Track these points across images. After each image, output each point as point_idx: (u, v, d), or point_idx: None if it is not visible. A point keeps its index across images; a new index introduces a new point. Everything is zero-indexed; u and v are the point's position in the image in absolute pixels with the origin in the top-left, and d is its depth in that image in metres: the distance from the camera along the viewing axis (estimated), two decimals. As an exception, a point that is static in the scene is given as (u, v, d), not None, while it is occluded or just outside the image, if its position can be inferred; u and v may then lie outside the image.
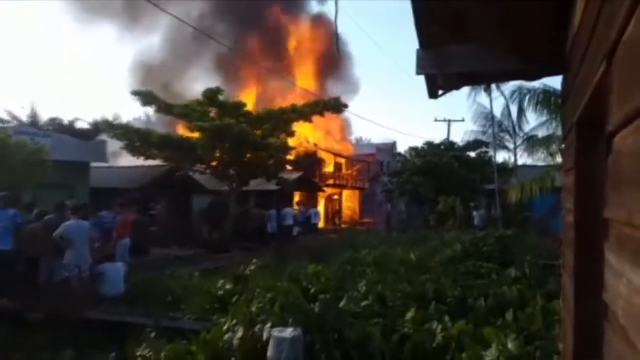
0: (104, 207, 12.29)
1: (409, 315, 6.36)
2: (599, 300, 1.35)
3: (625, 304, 1.00)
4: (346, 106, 22.35)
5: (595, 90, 1.48)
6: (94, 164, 19.06)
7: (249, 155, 21.11)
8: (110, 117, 31.59)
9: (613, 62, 1.20)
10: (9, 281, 8.80)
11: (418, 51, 3.03)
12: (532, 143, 20.21)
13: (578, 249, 1.87)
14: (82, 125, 32.70)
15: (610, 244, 1.21)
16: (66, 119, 32.17)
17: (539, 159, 18.51)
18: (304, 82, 38.44)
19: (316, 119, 22.69)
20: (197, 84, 42.44)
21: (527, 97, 16.22)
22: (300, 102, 23.01)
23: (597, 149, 1.85)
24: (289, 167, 24.92)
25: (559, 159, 15.34)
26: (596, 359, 1.50)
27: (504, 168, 27.37)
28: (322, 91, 41.31)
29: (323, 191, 34.21)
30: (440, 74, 3.24)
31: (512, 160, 26.46)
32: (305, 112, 21.67)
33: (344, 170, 41.12)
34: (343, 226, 34.94)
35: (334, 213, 38.18)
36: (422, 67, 3.03)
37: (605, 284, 1.24)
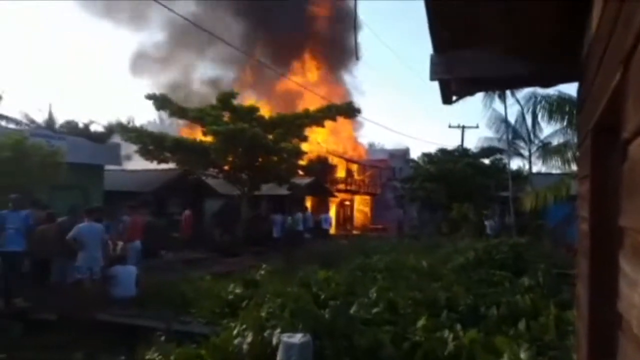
0: (121, 210, 12.41)
1: (420, 322, 6.30)
2: (613, 310, 1.31)
3: (640, 314, 0.97)
4: (359, 111, 22.35)
5: (611, 97, 1.45)
6: (108, 167, 19.23)
7: (260, 160, 21.18)
8: (124, 120, 31.92)
9: (629, 68, 1.18)
10: (20, 282, 8.89)
11: (432, 56, 3.01)
12: (547, 150, 20.01)
13: (592, 258, 1.84)
14: (96, 128, 33.11)
15: (625, 253, 1.18)
16: (81, 121, 32.60)
17: (553, 167, 18.31)
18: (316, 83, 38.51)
19: (328, 122, 22.69)
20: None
21: (542, 104, 16.09)
22: (312, 106, 23.03)
23: (613, 157, 1.81)
24: (300, 172, 24.94)
25: (574, 167, 15.17)
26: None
27: (518, 175, 27.12)
28: (335, 89, 41.40)
29: (334, 196, 34.16)
30: (454, 79, 3.21)
31: (527, 167, 26.20)
32: (318, 117, 21.69)
33: (355, 176, 41.04)
34: (354, 232, 34.84)
35: (345, 218, 38.10)
36: (436, 72, 3.01)
37: (619, 294, 1.22)
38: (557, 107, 14.72)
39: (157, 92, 21.43)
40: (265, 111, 23.71)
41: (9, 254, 8.97)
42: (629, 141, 1.12)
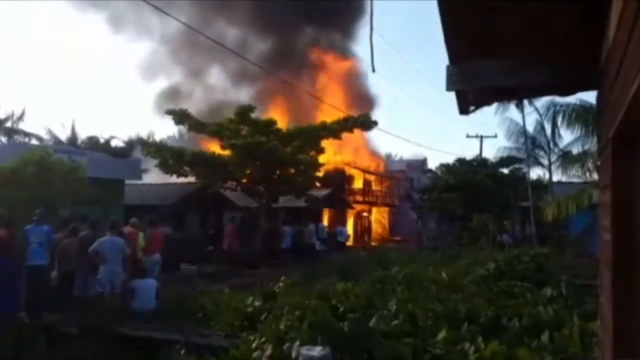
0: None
1: (441, 335, 6.23)
2: (639, 320, 1.29)
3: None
4: (376, 123, 22.33)
5: (630, 104, 1.44)
6: (129, 181, 19.48)
7: (278, 172, 21.27)
8: (144, 135, 32.51)
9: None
10: (45, 296, 9.02)
11: (448, 67, 3.01)
12: (567, 159, 19.74)
13: (615, 268, 1.81)
14: (117, 143, 33.70)
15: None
16: (102, 137, 33.23)
17: (574, 176, 18.03)
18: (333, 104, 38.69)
19: (346, 135, 22.73)
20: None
21: (561, 112, 15.92)
22: (329, 119, 23.11)
23: (634, 165, 1.79)
24: (317, 184, 24.96)
25: (595, 176, 14.92)
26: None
27: (538, 185, 26.78)
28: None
29: (352, 208, 34.07)
30: (471, 89, 3.20)
31: (547, 176, 25.87)
32: (335, 129, 21.74)
33: (373, 187, 40.90)
34: (373, 243, 34.66)
35: (363, 230, 37.95)
36: (452, 82, 3.01)
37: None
38: (577, 115, 14.54)
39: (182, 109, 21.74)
40: (282, 124, 23.85)
41: (33, 268, 9.12)
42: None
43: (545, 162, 24.89)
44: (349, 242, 31.90)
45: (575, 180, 18.07)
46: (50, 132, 31.33)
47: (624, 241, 1.77)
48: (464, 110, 3.42)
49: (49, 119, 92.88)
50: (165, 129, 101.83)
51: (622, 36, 1.62)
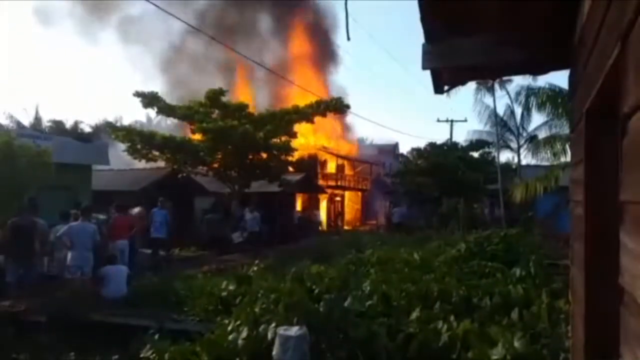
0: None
1: (414, 314, 6.34)
2: (613, 288, 1.32)
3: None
4: (348, 106, 22.33)
5: (607, 76, 1.46)
6: (96, 167, 19.06)
7: (250, 157, 21.09)
8: (111, 120, 31.77)
9: (628, 43, 1.18)
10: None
11: (424, 45, 3.01)
12: (536, 143, 20.16)
13: (589, 239, 1.85)
14: (84, 127, 32.88)
15: (626, 227, 1.19)
16: (68, 122, 32.38)
17: (542, 159, 18.44)
18: (304, 80, 38.43)
19: (319, 118, 22.66)
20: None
21: (532, 96, 16.19)
22: (301, 102, 22.98)
23: (607, 138, 1.82)
24: (290, 169, 24.88)
25: (562, 159, 15.29)
26: (611, 348, 1.48)
27: (507, 168, 27.30)
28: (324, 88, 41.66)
29: (325, 192, 34.16)
30: (446, 68, 3.21)
31: (516, 160, 26.40)
32: (307, 113, 21.64)
33: (346, 171, 41.04)
34: (345, 227, 34.87)
35: (336, 214, 38.13)
36: (428, 60, 3.01)
37: (620, 269, 1.22)
38: (547, 98, 14.81)
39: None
40: (252, 108, 23.60)
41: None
42: (628, 116, 1.13)
43: (515, 145, 25.39)
44: (322, 227, 32.03)
45: (544, 163, 18.48)
46: (11, 117, 30.37)
47: (597, 211, 1.81)
48: (438, 89, 3.44)
49: (10, 104, 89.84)
50: (133, 115, 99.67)
51: (598, 10, 1.63)
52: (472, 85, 22.36)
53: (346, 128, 49.21)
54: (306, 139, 32.55)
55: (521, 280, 8.31)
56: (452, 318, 6.14)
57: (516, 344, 5.10)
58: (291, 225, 24.55)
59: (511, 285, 7.74)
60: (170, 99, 23.47)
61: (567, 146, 13.36)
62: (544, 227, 17.41)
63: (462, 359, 5.17)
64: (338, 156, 39.65)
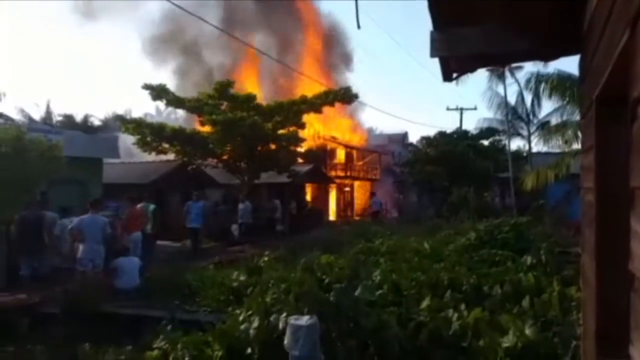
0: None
1: (424, 303, 6.34)
2: (624, 274, 1.32)
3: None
4: (356, 96, 22.25)
5: (617, 61, 1.44)
6: (107, 160, 19.17)
7: (259, 148, 21.12)
8: (121, 113, 31.84)
9: (637, 29, 1.17)
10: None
11: (431, 33, 2.99)
12: (547, 130, 19.97)
13: (599, 226, 1.84)
14: (94, 121, 33.08)
15: (636, 213, 1.18)
16: (78, 116, 32.59)
17: (553, 146, 18.26)
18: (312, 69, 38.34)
19: (327, 108, 22.60)
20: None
21: (543, 82, 16.01)
22: (309, 92, 22.91)
23: (618, 124, 1.81)
24: (299, 160, 24.88)
25: (574, 146, 15.14)
26: (622, 334, 1.48)
27: (517, 156, 27.11)
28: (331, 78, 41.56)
29: (334, 183, 34.14)
30: (454, 56, 3.19)
31: (526, 147, 26.21)
32: (316, 103, 21.60)
33: (355, 161, 40.93)
34: (355, 217, 34.86)
35: (345, 204, 38.11)
36: (436, 49, 2.99)
37: (631, 254, 1.22)
38: (558, 83, 14.62)
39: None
40: (261, 99, 23.60)
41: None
42: (638, 101, 1.12)
43: (525, 132, 25.19)
44: (332, 217, 32.06)
45: (556, 150, 18.32)
46: (22, 111, 30.61)
47: (608, 197, 1.80)
48: (447, 76, 3.42)
49: (22, 99, 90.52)
50: (143, 108, 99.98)
51: (608, -6, 1.61)
52: (481, 72, 22.18)
53: (356, 117, 49.04)
54: (315, 129, 32.52)
55: (532, 268, 8.29)
56: (462, 306, 6.15)
57: (527, 331, 5.10)
58: (300, 215, 24.68)
59: (522, 273, 7.72)
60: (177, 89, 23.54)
61: (579, 133, 13.23)
62: (555, 215, 17.30)
63: (473, 347, 5.18)
64: (347, 146, 39.53)
